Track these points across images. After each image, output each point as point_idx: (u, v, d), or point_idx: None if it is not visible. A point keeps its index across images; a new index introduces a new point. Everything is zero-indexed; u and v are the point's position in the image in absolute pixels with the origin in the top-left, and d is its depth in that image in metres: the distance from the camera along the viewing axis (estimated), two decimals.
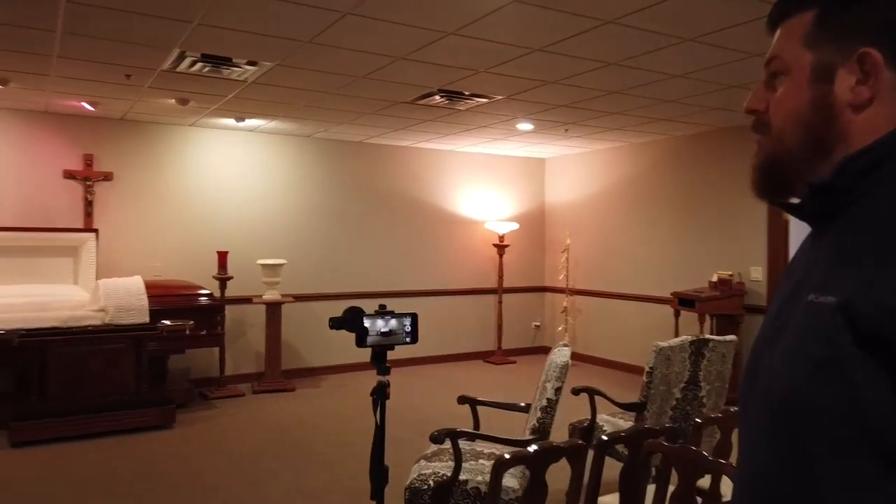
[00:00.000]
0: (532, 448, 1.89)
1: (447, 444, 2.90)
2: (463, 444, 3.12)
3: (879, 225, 0.73)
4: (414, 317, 1.80)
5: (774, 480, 0.75)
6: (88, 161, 6.31)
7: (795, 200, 0.84)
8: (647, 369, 3.40)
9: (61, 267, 5.96)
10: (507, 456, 1.91)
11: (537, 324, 8.84)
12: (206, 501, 3.86)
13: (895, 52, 0.77)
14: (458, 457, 2.81)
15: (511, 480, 2.85)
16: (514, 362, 8.05)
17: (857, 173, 0.77)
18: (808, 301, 0.75)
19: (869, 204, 0.75)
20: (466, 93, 5.23)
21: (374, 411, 1.78)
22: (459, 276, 8.32)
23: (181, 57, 4.33)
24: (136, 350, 5.34)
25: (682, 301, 6.16)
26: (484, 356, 8.36)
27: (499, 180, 8.60)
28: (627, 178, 7.72)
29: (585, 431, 3.61)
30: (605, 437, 2.04)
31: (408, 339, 1.73)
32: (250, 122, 6.53)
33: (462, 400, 3.49)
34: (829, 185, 0.79)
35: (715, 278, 6.32)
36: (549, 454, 1.89)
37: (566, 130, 6.75)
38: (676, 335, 5.77)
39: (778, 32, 0.86)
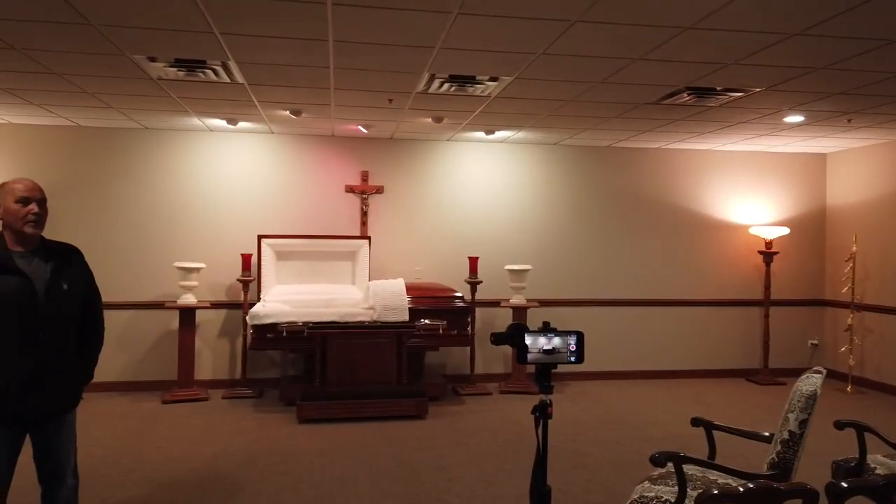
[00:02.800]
0: (745, 486, 1.70)
1: (672, 468, 2.72)
2: (694, 471, 2.91)
3: None
4: (579, 335, 1.73)
5: None
6: (364, 177, 7.18)
7: None
8: None
9: (342, 269, 6.87)
10: (714, 491, 1.75)
11: (815, 342, 7.75)
12: (443, 492, 4.14)
13: None
14: (682, 483, 2.62)
15: None
16: (783, 384, 7.16)
17: None
18: None
19: None
20: (718, 88, 4.83)
21: (536, 430, 1.75)
22: (718, 284, 7.68)
23: (431, 79, 4.73)
24: (397, 345, 5.92)
25: None
26: (747, 374, 7.60)
27: (766, 180, 7.75)
28: None
29: (851, 472, 3.09)
30: (844, 485, 1.75)
31: (572, 359, 1.68)
32: (499, 134, 6.84)
33: (696, 422, 3.23)
34: None
35: None
36: (765, 495, 1.68)
37: (849, 121, 5.82)
38: None
39: None
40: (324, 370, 5.80)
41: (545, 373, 1.77)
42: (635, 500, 2.80)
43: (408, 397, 5.85)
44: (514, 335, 1.72)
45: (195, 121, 6.35)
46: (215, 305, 6.81)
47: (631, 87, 4.81)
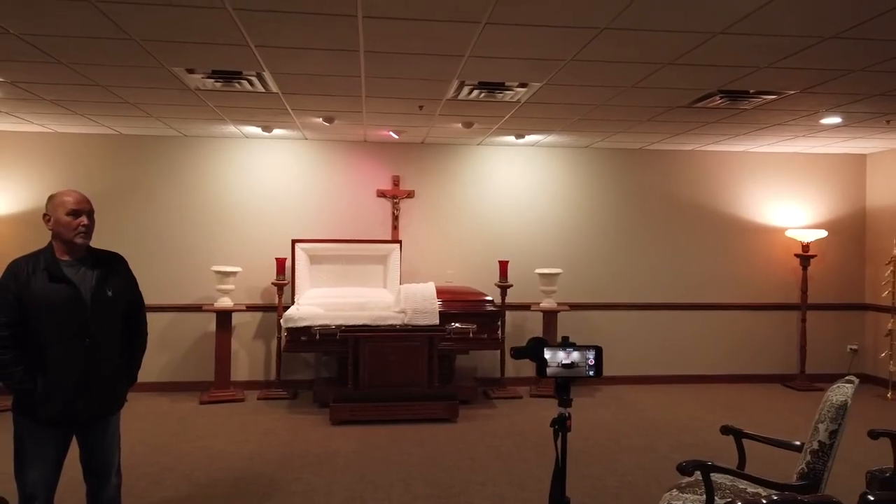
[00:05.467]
0: (768, 498, 1.71)
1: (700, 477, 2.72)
2: (723, 479, 2.90)
3: None
4: (598, 350, 1.76)
5: None
6: (396, 181, 7.26)
7: None
8: None
9: (373, 273, 6.95)
10: (739, 503, 1.76)
11: (854, 347, 7.58)
12: (474, 495, 4.19)
13: None
14: (709, 492, 2.62)
15: None
16: (821, 390, 6.94)
17: None
18: None
19: None
20: (751, 91, 4.77)
21: (555, 442, 1.78)
22: (753, 288, 7.57)
23: (461, 86, 4.77)
24: (428, 348, 5.98)
25: None
26: (783, 380, 7.47)
27: (803, 182, 7.61)
28: None
29: (886, 483, 3.04)
30: (870, 498, 1.74)
31: (591, 373, 1.70)
32: (530, 138, 6.85)
33: (725, 430, 3.22)
34: None
35: None
36: None
37: (888, 122, 5.70)
38: None
39: None
40: (356, 373, 5.89)
41: (564, 386, 1.79)
42: None
43: (439, 400, 5.90)
44: (534, 349, 1.75)
45: (231, 128, 6.51)
46: (251, 308, 6.96)
47: (662, 91, 4.79)
